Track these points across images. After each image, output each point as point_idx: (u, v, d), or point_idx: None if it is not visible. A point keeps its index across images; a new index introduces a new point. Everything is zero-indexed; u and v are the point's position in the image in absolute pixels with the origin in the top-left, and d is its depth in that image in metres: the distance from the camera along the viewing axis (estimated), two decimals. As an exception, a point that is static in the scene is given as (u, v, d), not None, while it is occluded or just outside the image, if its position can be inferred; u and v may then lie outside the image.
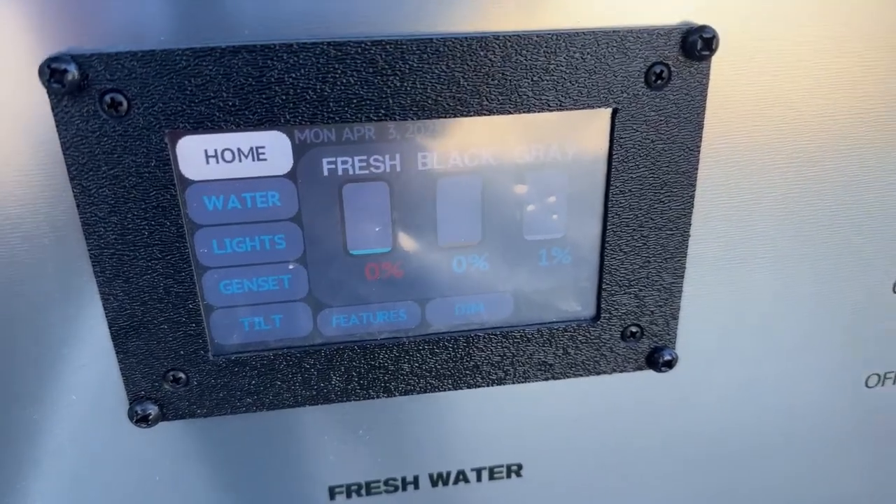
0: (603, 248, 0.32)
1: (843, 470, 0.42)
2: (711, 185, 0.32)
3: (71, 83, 0.25)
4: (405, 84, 0.27)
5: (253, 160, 0.28)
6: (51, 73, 0.25)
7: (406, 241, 0.31)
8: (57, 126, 0.26)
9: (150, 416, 0.32)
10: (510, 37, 0.27)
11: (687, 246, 0.32)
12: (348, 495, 0.36)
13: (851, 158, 0.33)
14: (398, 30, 0.27)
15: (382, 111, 0.28)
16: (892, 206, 0.34)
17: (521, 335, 0.33)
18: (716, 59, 0.29)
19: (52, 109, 0.26)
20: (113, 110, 0.26)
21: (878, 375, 0.39)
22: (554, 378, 0.34)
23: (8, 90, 0.26)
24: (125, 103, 0.26)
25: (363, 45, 0.27)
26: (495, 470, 0.37)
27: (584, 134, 0.30)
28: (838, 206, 0.34)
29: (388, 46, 0.27)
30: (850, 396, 0.39)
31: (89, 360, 0.31)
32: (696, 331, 0.35)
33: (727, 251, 0.34)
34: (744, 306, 0.35)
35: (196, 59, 0.26)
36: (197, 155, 0.28)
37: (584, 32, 0.28)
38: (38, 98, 0.26)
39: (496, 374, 0.34)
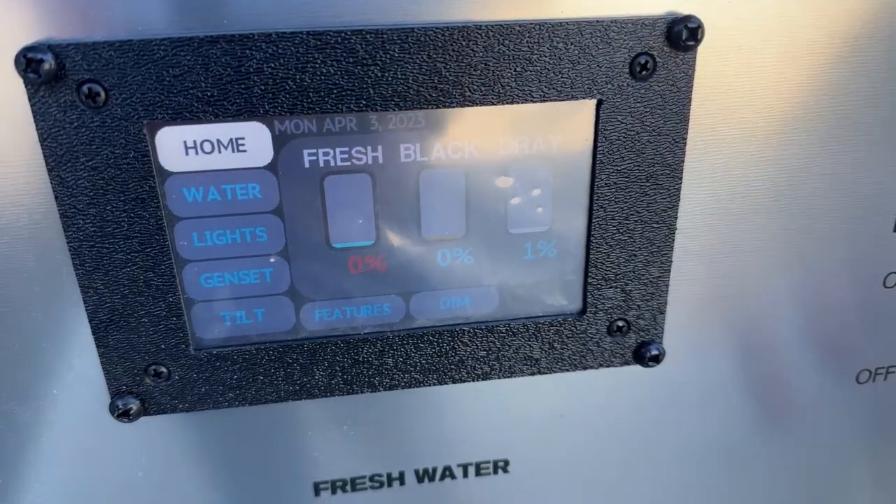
0: (589, 241, 0.32)
1: (834, 465, 0.41)
2: (698, 178, 0.32)
3: (47, 73, 0.25)
4: (386, 74, 0.27)
5: (233, 151, 0.28)
6: (27, 62, 0.25)
7: (389, 234, 0.31)
8: (34, 117, 0.26)
9: (132, 411, 0.31)
10: (493, 27, 0.27)
11: (674, 239, 0.32)
12: (333, 491, 0.36)
13: (841, 152, 0.32)
14: (379, 19, 0.27)
15: (363, 102, 0.27)
16: (883, 199, 0.34)
17: (506, 329, 0.33)
18: (702, 50, 0.29)
19: (29, 100, 0.26)
20: (90, 101, 0.26)
21: (870, 371, 0.39)
22: (540, 373, 0.34)
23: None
24: (103, 94, 0.26)
25: (343, 35, 0.26)
26: (482, 466, 0.37)
27: (569, 125, 0.30)
28: (828, 199, 0.33)
29: (368, 36, 0.27)
30: (841, 392, 0.39)
31: (70, 353, 0.31)
32: (683, 325, 0.35)
33: (715, 245, 0.33)
34: (732, 301, 0.35)
35: (174, 48, 0.26)
36: (176, 146, 0.28)
37: (567, 22, 0.27)
38: (16, 88, 0.26)
39: (482, 368, 0.33)
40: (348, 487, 0.36)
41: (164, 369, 0.31)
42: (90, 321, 0.30)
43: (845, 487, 0.42)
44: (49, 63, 0.25)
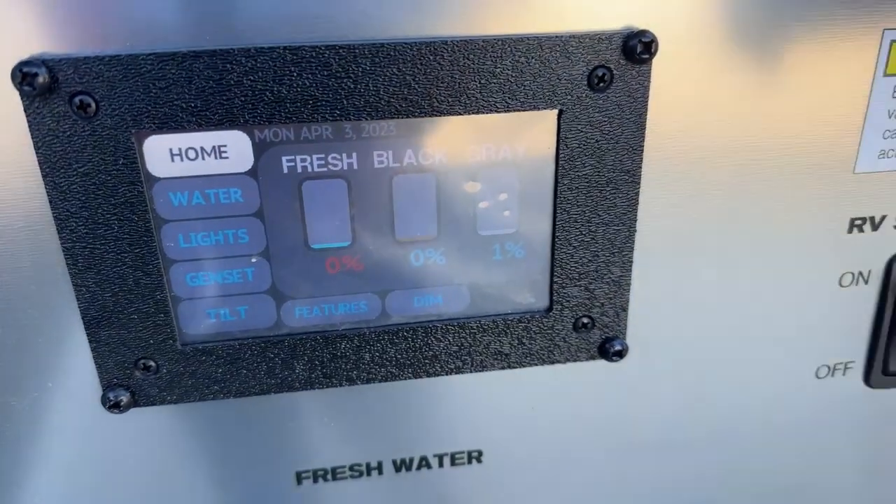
0: (553, 242, 0.34)
1: (793, 460, 0.43)
2: (656, 183, 0.33)
3: (41, 86, 0.27)
4: (359, 86, 0.29)
5: (215, 158, 0.30)
6: (22, 76, 0.27)
7: (365, 236, 0.33)
8: (29, 127, 0.28)
9: (122, 403, 0.33)
10: (458, 42, 0.29)
11: (634, 240, 0.34)
12: (314, 480, 0.38)
13: (795, 155, 0.34)
14: (352, 35, 0.29)
15: (338, 112, 0.29)
16: (835, 200, 0.36)
17: (477, 326, 0.35)
18: (657, 62, 0.31)
19: (25, 111, 0.28)
20: (82, 111, 0.28)
21: (828, 367, 0.40)
22: (510, 367, 0.36)
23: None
24: (93, 105, 0.28)
25: (318, 50, 0.28)
26: (456, 456, 0.39)
27: (533, 134, 0.32)
28: (783, 201, 0.35)
29: (341, 50, 0.28)
30: (801, 387, 0.40)
31: (64, 349, 0.33)
32: (646, 322, 0.36)
33: (674, 246, 0.35)
34: (692, 300, 0.36)
35: (160, 62, 0.28)
36: (162, 153, 0.29)
37: (528, 38, 0.29)
38: (12, 100, 0.28)
39: (454, 363, 0.35)
40: (329, 476, 0.38)
41: (152, 363, 0.33)
42: (83, 318, 0.32)
43: (803, 480, 0.44)
44: (43, 76, 0.27)
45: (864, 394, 0.41)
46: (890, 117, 0.34)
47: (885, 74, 0.33)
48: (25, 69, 0.27)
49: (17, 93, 0.27)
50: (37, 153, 0.28)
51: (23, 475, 0.35)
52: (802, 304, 0.38)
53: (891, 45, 0.33)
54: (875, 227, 0.37)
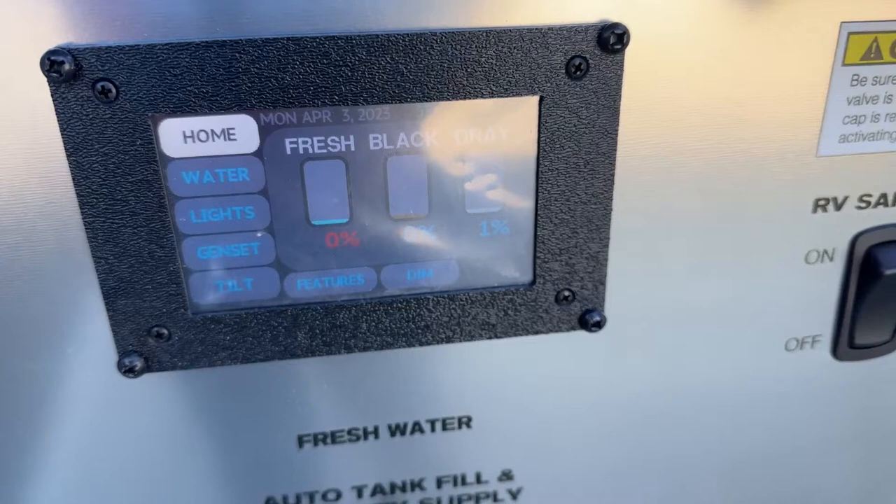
0: (536, 220, 0.36)
1: (763, 429, 0.45)
2: (631, 164, 0.36)
3: (67, 73, 0.30)
4: (355, 74, 0.32)
5: (225, 140, 0.33)
6: (50, 64, 0.29)
7: (361, 213, 0.35)
8: (55, 110, 0.31)
9: (137, 368, 0.36)
10: (446, 33, 0.32)
11: (610, 218, 0.36)
12: (315, 443, 0.41)
13: (762, 139, 0.36)
14: (349, 27, 0.31)
15: (336, 97, 0.32)
16: (801, 182, 0.38)
17: (466, 298, 0.37)
18: (631, 52, 0.33)
19: (52, 95, 0.30)
20: (103, 96, 0.31)
21: (797, 340, 0.43)
22: (497, 337, 0.38)
23: (16, 78, 0.30)
24: (114, 90, 0.31)
25: (318, 40, 0.31)
26: (447, 421, 0.41)
27: (516, 118, 0.34)
28: (751, 183, 0.37)
29: (339, 41, 0.31)
30: (771, 360, 0.43)
31: (83, 317, 0.35)
32: (623, 295, 0.39)
33: (649, 224, 0.37)
34: (666, 274, 0.39)
35: (174, 52, 0.30)
36: (176, 135, 0.32)
37: (510, 29, 0.32)
38: (40, 86, 0.30)
39: (445, 333, 0.38)
40: (328, 440, 0.41)
41: (165, 331, 0.36)
42: (101, 288, 0.34)
43: (772, 452, 0.46)
44: (69, 64, 0.30)
45: (831, 366, 0.44)
46: (849, 104, 0.37)
47: (844, 64, 0.36)
48: (53, 57, 0.29)
49: (44, 79, 0.30)
50: (62, 135, 0.31)
51: (44, 436, 0.38)
52: (771, 281, 0.41)
53: (848, 37, 0.35)
54: (838, 207, 0.39)
